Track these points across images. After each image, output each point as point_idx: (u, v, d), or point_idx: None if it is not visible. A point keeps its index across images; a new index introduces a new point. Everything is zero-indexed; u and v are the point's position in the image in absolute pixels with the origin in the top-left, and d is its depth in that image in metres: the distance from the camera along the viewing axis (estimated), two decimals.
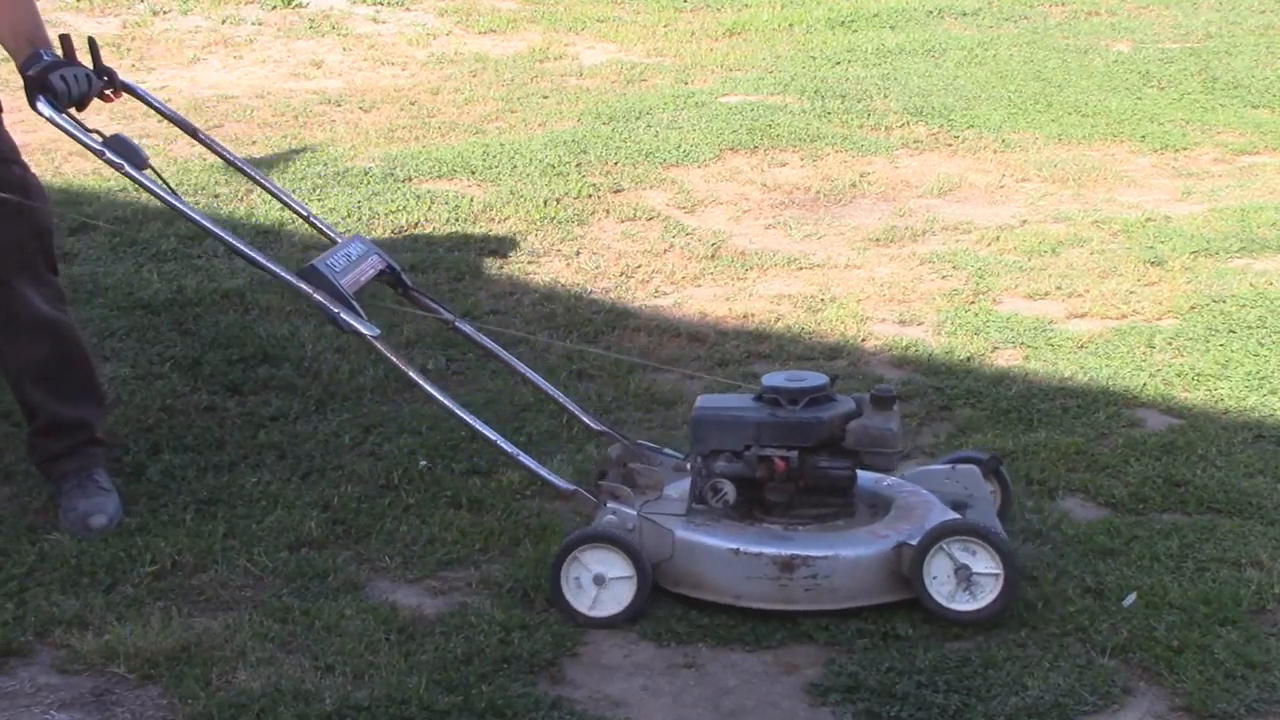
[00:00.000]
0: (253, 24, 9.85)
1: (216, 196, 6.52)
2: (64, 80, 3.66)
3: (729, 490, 3.56)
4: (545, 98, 8.31)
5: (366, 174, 6.85)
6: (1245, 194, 6.65)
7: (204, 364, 4.88)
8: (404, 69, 9.08)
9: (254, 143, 7.45)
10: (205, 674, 3.28)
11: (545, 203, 6.48)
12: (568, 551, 3.52)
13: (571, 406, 3.99)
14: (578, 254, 5.99)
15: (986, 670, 3.29)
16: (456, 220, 6.30)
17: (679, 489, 3.67)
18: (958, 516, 3.56)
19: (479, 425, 3.65)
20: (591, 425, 3.95)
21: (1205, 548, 3.79)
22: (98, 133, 3.70)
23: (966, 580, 3.42)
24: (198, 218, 3.71)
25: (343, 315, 3.59)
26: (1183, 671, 3.28)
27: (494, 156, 7.06)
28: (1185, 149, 7.34)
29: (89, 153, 3.72)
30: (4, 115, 3.88)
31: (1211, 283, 5.56)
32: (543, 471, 3.66)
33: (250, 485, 4.13)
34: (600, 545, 3.52)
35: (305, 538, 3.88)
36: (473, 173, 6.86)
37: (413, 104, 8.21)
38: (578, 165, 6.94)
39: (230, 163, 4.18)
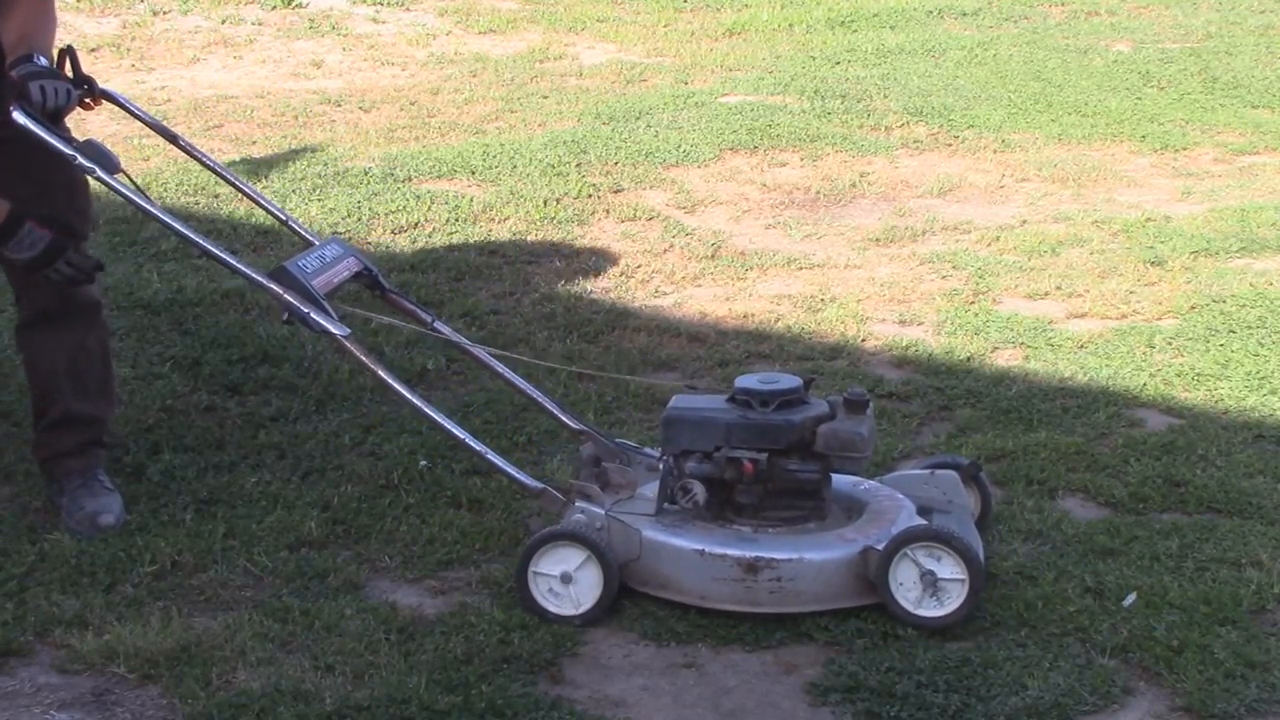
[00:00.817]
0: (253, 24, 9.85)
1: (216, 197, 6.51)
2: (42, 90, 3.68)
3: (698, 491, 3.56)
4: (545, 98, 8.31)
5: (366, 174, 6.85)
6: (1245, 194, 6.64)
7: (204, 364, 4.88)
8: (404, 69, 9.08)
9: (254, 143, 7.45)
10: (205, 674, 3.28)
11: (545, 203, 6.48)
12: (534, 549, 3.52)
13: (551, 406, 3.99)
14: (578, 254, 5.99)
15: (986, 670, 3.29)
16: (456, 220, 6.30)
17: (653, 489, 3.66)
18: (923, 522, 3.56)
19: (449, 424, 3.64)
20: (571, 424, 3.95)
21: (1205, 548, 3.79)
22: (71, 139, 3.72)
23: (932, 586, 3.42)
24: (170, 221, 3.72)
25: (313, 315, 3.59)
26: (1183, 671, 3.28)
27: (494, 156, 7.06)
28: (1185, 149, 7.34)
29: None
30: None
31: (1211, 283, 5.56)
32: (510, 469, 3.66)
33: (250, 485, 4.13)
34: (567, 543, 3.52)
35: (305, 538, 3.88)
36: (473, 173, 6.86)
37: (413, 104, 8.21)
38: (578, 165, 6.94)
39: (211, 169, 4.19)
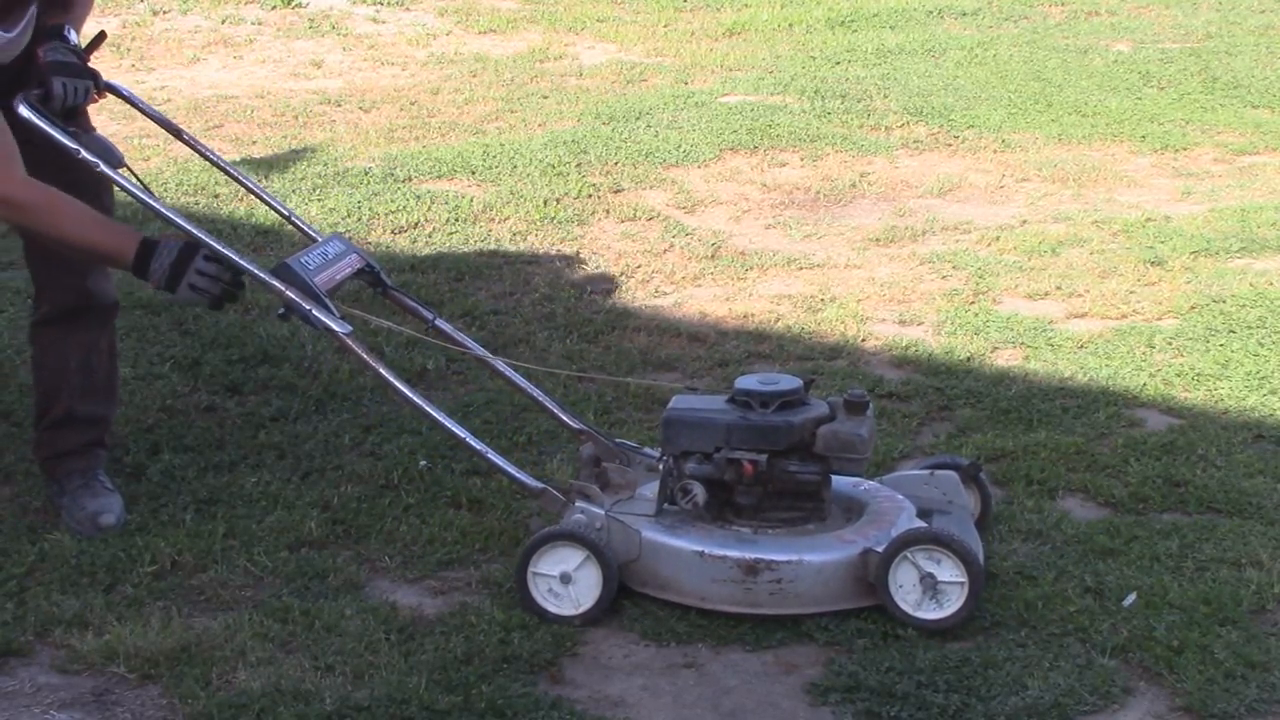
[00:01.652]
0: (253, 24, 9.85)
1: (216, 197, 6.52)
2: (63, 88, 3.70)
3: (698, 492, 3.56)
4: (545, 98, 8.31)
5: (366, 174, 6.85)
6: (1245, 194, 6.64)
7: (204, 364, 4.88)
8: (404, 69, 9.08)
9: (254, 143, 7.46)
10: (205, 674, 3.28)
11: (545, 203, 6.48)
12: (534, 549, 3.52)
13: (552, 406, 3.99)
14: (578, 254, 5.99)
15: (986, 670, 3.29)
16: (456, 220, 6.30)
17: (652, 489, 3.66)
18: (923, 525, 3.56)
19: (450, 423, 3.64)
20: (571, 424, 3.95)
21: (1205, 548, 3.79)
22: (75, 133, 3.72)
23: (932, 588, 3.42)
24: (173, 216, 3.71)
25: (314, 312, 3.59)
26: (1183, 671, 3.28)
27: (494, 156, 7.06)
28: (1185, 149, 7.34)
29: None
30: None
31: (1211, 283, 5.56)
32: (511, 469, 3.66)
33: (250, 485, 4.13)
34: (567, 544, 3.52)
35: (305, 538, 3.88)
36: (473, 173, 6.86)
37: (413, 104, 8.21)
38: (578, 165, 6.94)
39: (215, 164, 4.20)
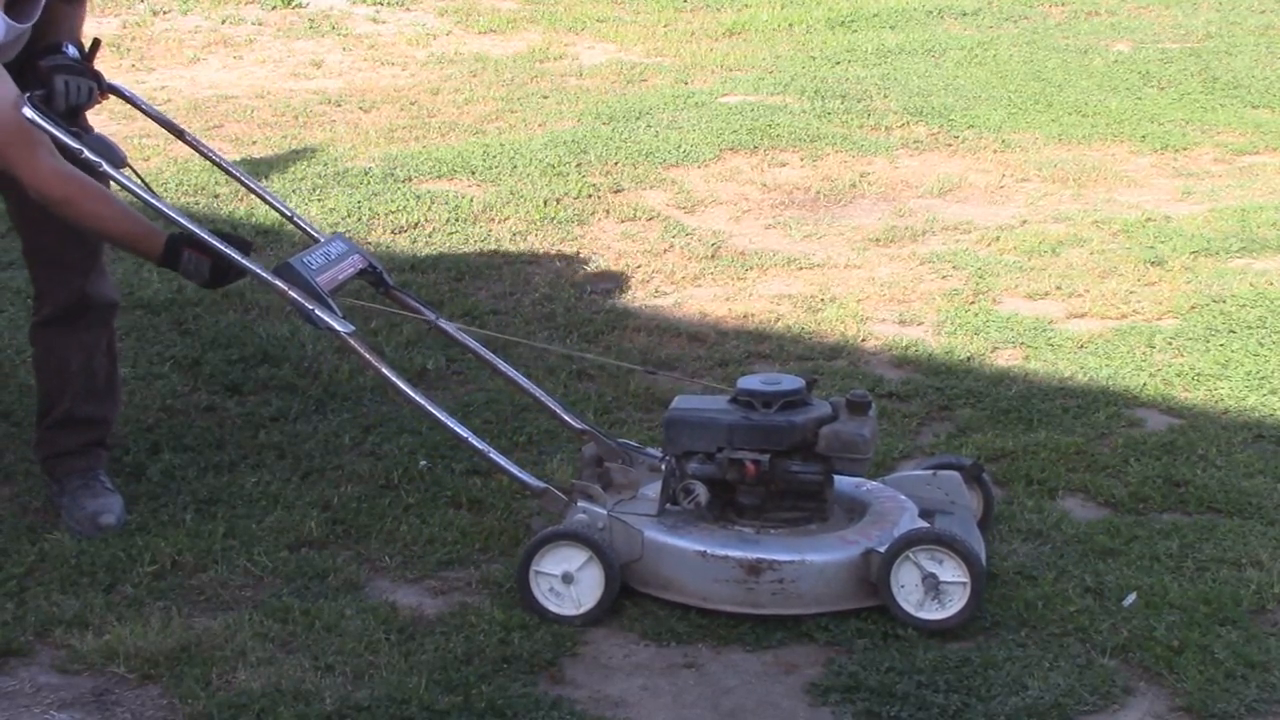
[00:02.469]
0: (253, 24, 9.85)
1: (216, 197, 6.52)
2: (65, 86, 3.71)
3: (700, 492, 3.56)
4: (545, 98, 8.31)
5: (366, 174, 6.85)
6: (1245, 194, 6.64)
7: (204, 364, 4.88)
8: (404, 69, 9.08)
9: (254, 143, 7.45)
10: (205, 674, 3.28)
11: (545, 203, 6.48)
12: (536, 549, 3.52)
13: (554, 405, 3.99)
14: (578, 254, 5.99)
15: (986, 670, 3.29)
16: (456, 220, 6.30)
17: (655, 489, 3.66)
18: (925, 525, 3.55)
19: (451, 423, 3.64)
20: (574, 424, 3.95)
21: (1205, 548, 3.79)
22: (78, 132, 3.73)
23: (934, 589, 3.42)
24: (176, 216, 3.72)
25: (317, 312, 3.60)
26: (1183, 671, 3.28)
27: (494, 156, 7.06)
28: (1185, 149, 7.33)
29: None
30: None
31: (1211, 283, 5.56)
32: (513, 469, 3.66)
33: (250, 485, 4.13)
34: (569, 543, 3.52)
35: (305, 538, 3.88)
36: (473, 173, 6.86)
37: (413, 104, 8.21)
38: (578, 165, 6.94)
39: (217, 164, 4.21)
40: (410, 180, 6.77)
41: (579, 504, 3.59)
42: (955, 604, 3.42)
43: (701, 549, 3.49)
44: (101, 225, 3.66)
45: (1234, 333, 5.14)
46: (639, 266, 5.85)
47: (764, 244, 6.12)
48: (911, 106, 7.94)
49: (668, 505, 3.59)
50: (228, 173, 4.24)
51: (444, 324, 4.03)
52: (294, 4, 10.24)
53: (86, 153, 3.67)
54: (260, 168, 6.94)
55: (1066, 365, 4.92)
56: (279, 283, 3.61)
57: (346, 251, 3.84)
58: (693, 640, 3.46)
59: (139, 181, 3.76)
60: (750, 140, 7.32)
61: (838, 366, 4.94)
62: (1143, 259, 5.82)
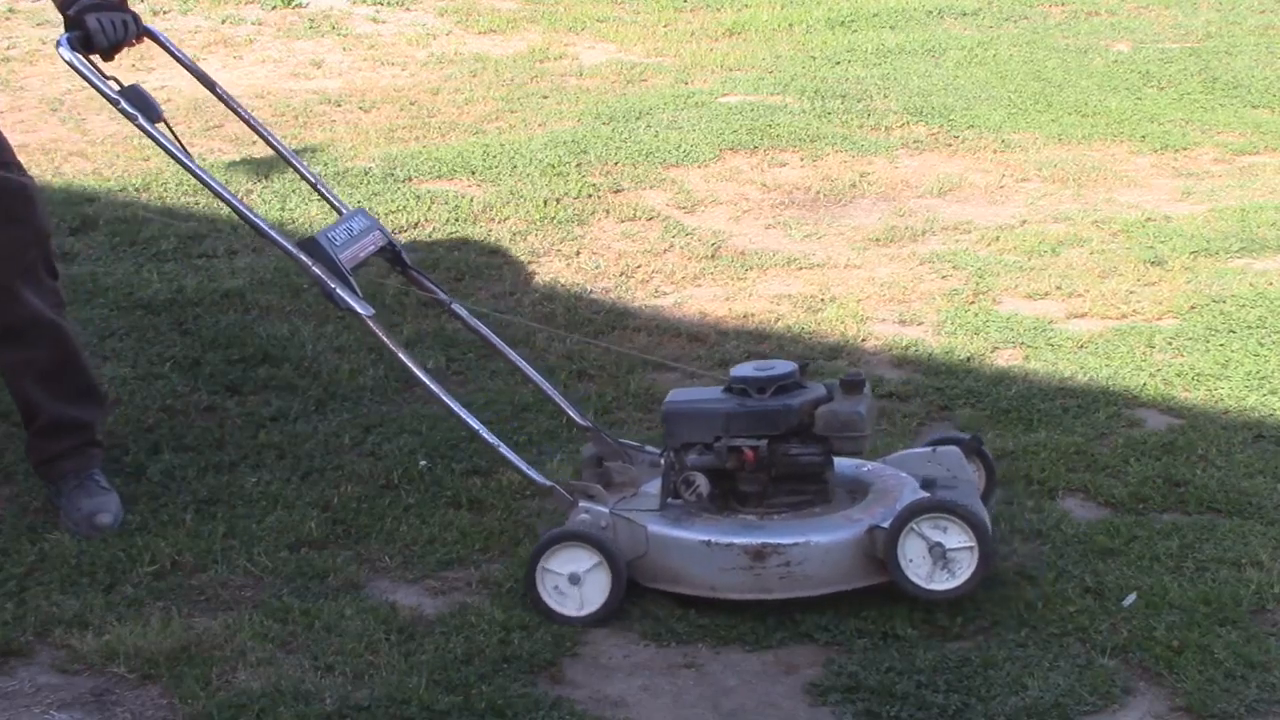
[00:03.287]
0: (253, 24, 9.85)
1: (225, 184, 6.50)
2: (99, 23, 3.63)
3: (702, 483, 3.56)
4: (545, 98, 8.31)
5: (366, 174, 6.85)
6: (1245, 194, 6.64)
7: (204, 364, 4.88)
8: (404, 69, 9.07)
9: (254, 143, 7.44)
10: (205, 674, 3.28)
11: (545, 203, 6.48)
12: (542, 551, 3.52)
13: (561, 402, 3.99)
14: (578, 254, 5.99)
15: (986, 670, 3.29)
16: (456, 220, 6.30)
17: (656, 486, 3.66)
18: (925, 495, 3.54)
19: (463, 412, 3.65)
20: (580, 421, 3.95)
21: (1205, 548, 3.79)
22: (115, 80, 3.67)
23: (942, 557, 3.41)
24: (207, 179, 3.68)
25: (339, 291, 3.59)
26: (1183, 671, 3.28)
27: (494, 156, 7.05)
28: (1185, 149, 7.33)
29: (106, 105, 3.64)
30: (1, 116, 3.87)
31: (1211, 283, 5.56)
32: (521, 465, 3.66)
33: (250, 485, 4.13)
34: (574, 544, 3.52)
35: (305, 538, 3.88)
36: (473, 173, 6.86)
37: (413, 104, 8.20)
38: (578, 165, 6.94)
39: (247, 121, 4.08)
40: (410, 180, 6.77)
41: (581, 504, 3.59)
42: (965, 570, 3.40)
43: (706, 539, 3.49)
44: None
45: (1234, 333, 5.14)
46: (639, 266, 5.85)
47: (764, 244, 6.12)
48: (911, 106, 7.94)
49: (669, 499, 3.59)
50: (256, 131, 4.10)
51: (458, 307, 4.02)
52: (294, 4, 10.24)
53: (123, 103, 3.63)
54: (260, 167, 6.94)
55: (1066, 365, 4.92)
56: (304, 258, 3.60)
57: (369, 227, 3.83)
58: (693, 640, 3.46)
59: (173, 139, 3.70)
60: (750, 140, 7.32)
61: (838, 366, 4.94)
62: (1143, 259, 5.82)
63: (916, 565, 3.43)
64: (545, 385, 4.01)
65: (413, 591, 3.67)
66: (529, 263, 5.89)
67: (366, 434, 4.46)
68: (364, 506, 4.03)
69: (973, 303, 5.46)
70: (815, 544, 3.47)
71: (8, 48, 9.04)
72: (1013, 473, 4.19)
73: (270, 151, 7.22)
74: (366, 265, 3.80)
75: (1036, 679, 3.26)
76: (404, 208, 6.40)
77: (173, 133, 3.72)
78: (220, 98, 4.09)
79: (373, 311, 3.62)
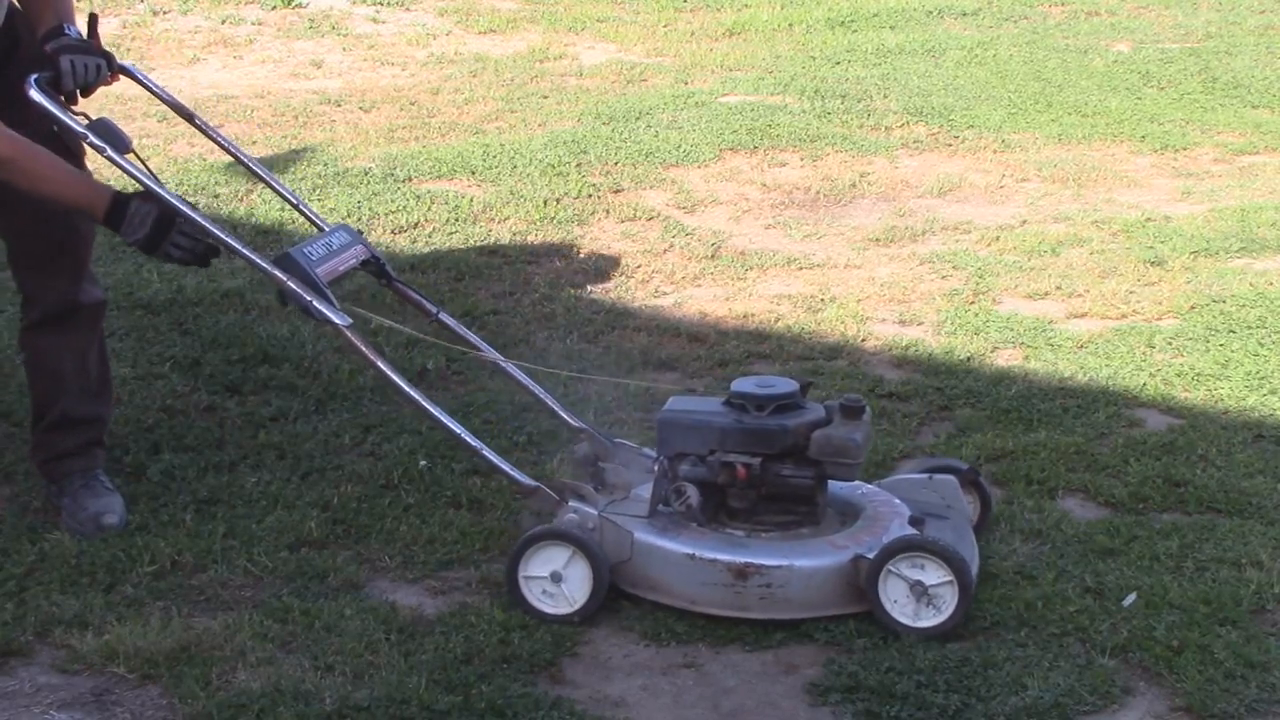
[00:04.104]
0: (253, 24, 9.85)
1: (216, 196, 6.51)
2: (72, 65, 3.66)
3: (692, 494, 3.55)
4: (545, 98, 8.31)
5: (366, 174, 6.85)
6: (1245, 194, 6.64)
7: (204, 364, 4.88)
8: (404, 69, 9.07)
9: (254, 143, 7.45)
10: (205, 674, 3.28)
11: (545, 203, 6.48)
12: (525, 547, 3.52)
13: (552, 403, 3.99)
14: (578, 254, 5.99)
15: (986, 670, 3.29)
16: (456, 220, 6.30)
17: (648, 490, 3.65)
18: (902, 534, 3.51)
19: (447, 420, 3.63)
20: (571, 422, 3.95)
21: (1205, 548, 3.79)
22: (84, 116, 3.70)
23: (924, 594, 3.41)
24: (178, 205, 3.70)
25: (315, 303, 3.59)
26: (1183, 671, 3.28)
27: (494, 156, 7.06)
28: (1185, 149, 7.33)
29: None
30: None
31: (1211, 283, 5.56)
32: (505, 466, 3.65)
33: (250, 485, 4.13)
34: (557, 543, 3.51)
35: (305, 538, 3.88)
36: (473, 173, 6.86)
37: (413, 104, 8.20)
38: (578, 165, 6.94)
39: (226, 149, 4.14)
40: (410, 180, 6.77)
41: (570, 503, 3.59)
42: (949, 604, 3.41)
43: (690, 552, 3.49)
44: (46, 185, 3.58)
45: (1234, 333, 5.14)
46: (639, 266, 5.85)
47: (764, 244, 6.12)
48: (911, 106, 7.94)
49: (659, 507, 3.59)
50: (235, 157, 4.16)
51: (445, 317, 4.03)
52: (294, 4, 10.24)
53: (92, 137, 3.65)
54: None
55: (1066, 365, 4.92)
56: (277, 272, 3.60)
57: (349, 242, 3.83)
58: (692, 640, 3.46)
59: (144, 169, 3.72)
60: (750, 140, 7.32)
61: (838, 366, 4.94)
62: (1143, 259, 5.82)
63: (901, 605, 3.42)
64: (537, 389, 4.01)
65: (413, 591, 3.67)
66: (529, 263, 5.89)
67: (366, 434, 4.46)
68: (364, 506, 4.03)
69: (973, 303, 5.46)
70: (798, 568, 3.46)
71: None
72: (1013, 473, 4.19)
73: (271, 152, 7.27)
74: (348, 277, 3.79)
75: (1036, 679, 3.26)
76: (404, 208, 6.40)
77: (143, 163, 3.74)
78: (199, 128, 4.13)
79: (350, 322, 3.61)
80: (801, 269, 5.84)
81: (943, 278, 5.72)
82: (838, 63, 9.08)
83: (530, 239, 6.13)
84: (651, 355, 5.03)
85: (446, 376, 4.87)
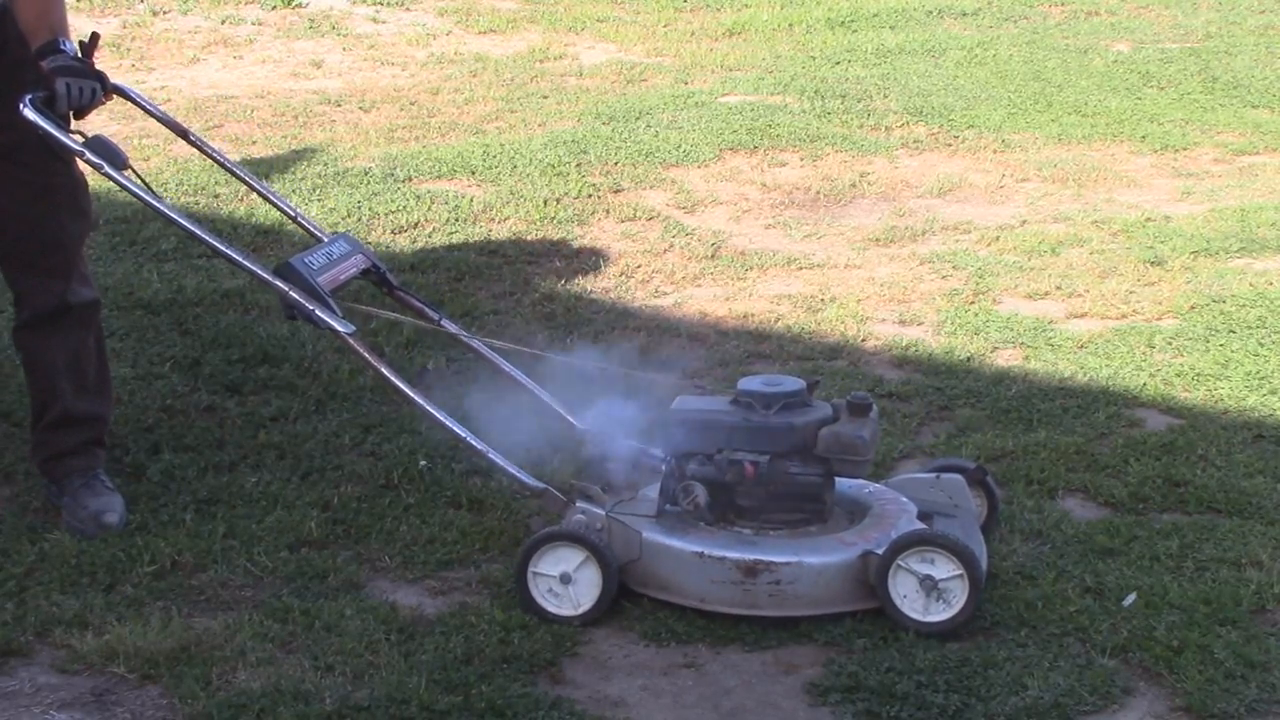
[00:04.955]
0: (253, 24, 9.85)
1: (216, 197, 6.51)
2: (67, 89, 3.67)
3: (700, 492, 3.56)
4: (545, 98, 8.31)
5: (366, 174, 6.85)
6: (1245, 194, 6.64)
7: (204, 364, 4.88)
8: (404, 69, 9.07)
9: (254, 143, 7.45)
10: (205, 674, 3.28)
11: (545, 203, 6.48)
12: (534, 549, 3.52)
13: (555, 405, 3.99)
14: (578, 254, 5.99)
15: (986, 670, 3.29)
16: (456, 220, 6.30)
17: (655, 490, 3.66)
18: (912, 529, 3.52)
19: (451, 423, 3.64)
20: (576, 425, 3.95)
21: (1205, 548, 3.79)
22: (79, 134, 3.71)
23: (934, 589, 3.41)
24: (177, 218, 3.71)
25: (318, 312, 3.60)
26: (1183, 671, 3.28)
27: (494, 156, 7.06)
28: (1185, 149, 7.33)
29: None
30: None
31: (1211, 283, 5.56)
32: (511, 469, 3.66)
33: (250, 485, 4.13)
34: (567, 544, 3.52)
35: (305, 538, 3.88)
36: (473, 173, 6.86)
37: (413, 104, 8.21)
38: (578, 165, 6.94)
39: (221, 164, 4.18)
40: (410, 180, 6.77)
41: (578, 504, 3.59)
42: (959, 598, 3.41)
43: (699, 550, 3.49)
44: None
45: (1234, 333, 5.14)
46: (639, 266, 5.85)
47: (764, 244, 6.12)
48: (911, 106, 7.94)
49: (667, 506, 3.59)
50: (231, 172, 4.20)
51: (448, 324, 4.03)
52: (294, 4, 10.24)
53: (89, 155, 3.67)
54: (260, 168, 6.94)
55: (1066, 365, 4.92)
56: (279, 282, 3.61)
57: (350, 251, 3.84)
58: (692, 640, 3.46)
59: (141, 184, 3.74)
60: (750, 140, 7.32)
61: (838, 366, 4.94)
62: (1143, 259, 5.82)
63: (911, 600, 3.43)
64: (541, 392, 4.01)
65: (413, 591, 3.67)
66: (529, 263, 5.89)
67: (366, 434, 4.46)
68: (364, 506, 4.03)
69: (973, 303, 5.46)
70: (807, 564, 3.47)
71: None
72: (1013, 473, 4.19)
73: (271, 152, 7.27)
74: (347, 286, 3.80)
75: (1036, 679, 3.26)
76: (404, 208, 6.39)
77: (140, 178, 3.75)
78: (194, 144, 4.15)
79: (353, 329, 3.62)
80: (801, 269, 5.84)
81: (943, 278, 5.72)
82: (838, 63, 9.08)
83: (530, 239, 6.13)
84: (651, 355, 5.02)
85: (447, 376, 4.87)
